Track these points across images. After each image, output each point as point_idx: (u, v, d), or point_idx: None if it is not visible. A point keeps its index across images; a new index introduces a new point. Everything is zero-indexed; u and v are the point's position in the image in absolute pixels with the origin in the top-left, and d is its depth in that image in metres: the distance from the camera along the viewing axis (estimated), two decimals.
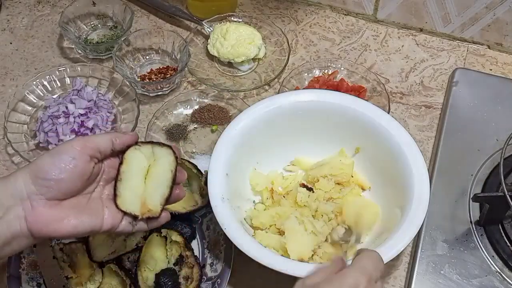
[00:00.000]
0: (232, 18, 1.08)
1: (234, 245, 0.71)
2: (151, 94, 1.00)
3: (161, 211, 0.65)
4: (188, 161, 0.84)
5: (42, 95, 0.98)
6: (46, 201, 0.59)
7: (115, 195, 0.64)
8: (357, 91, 0.96)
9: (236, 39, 1.01)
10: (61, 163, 0.59)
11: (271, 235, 0.78)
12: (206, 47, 1.05)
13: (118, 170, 0.65)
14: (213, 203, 0.73)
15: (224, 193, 0.74)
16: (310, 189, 0.84)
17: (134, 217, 0.64)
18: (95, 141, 0.62)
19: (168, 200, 0.65)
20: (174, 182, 0.65)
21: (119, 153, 0.65)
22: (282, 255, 0.73)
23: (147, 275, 0.77)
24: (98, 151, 0.62)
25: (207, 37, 1.07)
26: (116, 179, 0.65)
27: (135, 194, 0.65)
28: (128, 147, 0.65)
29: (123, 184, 0.64)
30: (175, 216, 0.81)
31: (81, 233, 0.61)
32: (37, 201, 0.58)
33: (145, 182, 0.65)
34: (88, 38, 1.09)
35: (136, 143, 0.65)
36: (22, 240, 0.59)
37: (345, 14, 1.13)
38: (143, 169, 0.65)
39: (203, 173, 0.83)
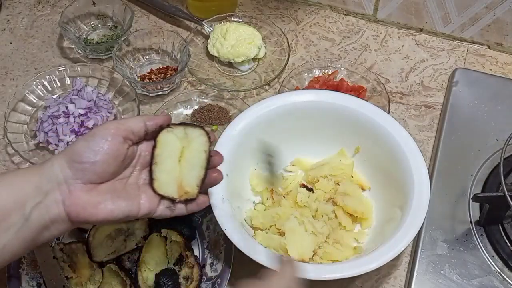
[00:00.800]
0: (232, 18, 1.08)
1: (234, 245, 0.71)
2: (151, 94, 1.00)
3: (198, 192, 0.65)
4: None
5: (42, 95, 0.98)
6: (82, 185, 0.59)
7: (151, 179, 0.64)
8: (357, 91, 0.96)
9: (236, 39, 1.01)
10: (95, 146, 0.59)
11: (271, 236, 0.78)
12: (206, 47, 1.05)
13: (152, 154, 0.64)
14: (213, 203, 0.73)
15: (224, 193, 0.74)
16: (310, 189, 0.84)
17: (172, 200, 0.64)
18: (128, 123, 0.62)
19: (204, 182, 0.65)
20: (209, 163, 0.64)
21: (153, 136, 0.65)
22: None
23: (147, 275, 0.77)
24: (132, 132, 0.62)
25: (207, 37, 1.07)
26: (151, 163, 0.64)
27: (171, 177, 0.64)
28: (161, 129, 0.65)
29: (158, 167, 0.64)
30: (175, 216, 0.81)
31: (118, 218, 0.61)
32: (74, 185, 0.59)
33: (180, 164, 0.65)
34: (88, 38, 1.09)
35: (168, 125, 0.65)
36: (61, 224, 0.59)
37: (345, 14, 1.13)
38: (177, 151, 0.65)
39: None
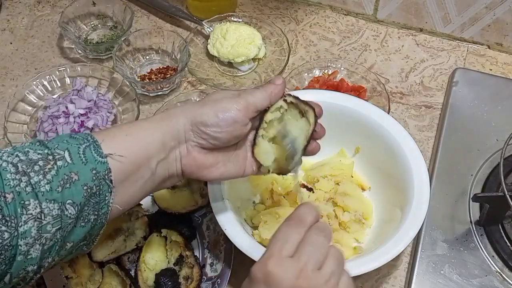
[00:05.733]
0: (232, 18, 1.08)
1: (234, 245, 0.71)
2: (151, 94, 1.00)
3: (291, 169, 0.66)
4: None
5: (42, 95, 0.98)
6: (200, 149, 0.62)
7: (254, 143, 0.65)
8: (357, 91, 0.96)
9: (236, 39, 1.01)
10: (223, 123, 0.61)
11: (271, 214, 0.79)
12: (206, 47, 1.05)
13: (261, 118, 0.65)
14: (213, 203, 0.73)
15: (224, 193, 0.74)
16: (310, 189, 0.84)
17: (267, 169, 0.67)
18: (255, 102, 0.62)
19: (303, 154, 0.66)
20: (310, 141, 0.65)
21: None
22: None
23: (147, 275, 0.77)
24: (257, 111, 0.63)
25: (207, 37, 1.07)
26: (258, 126, 0.65)
27: (272, 146, 0.66)
28: None
29: (263, 133, 0.65)
30: (175, 216, 0.81)
31: (225, 179, 0.67)
32: (192, 147, 0.62)
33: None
34: (88, 38, 1.09)
35: (284, 94, 0.65)
36: (175, 178, 0.64)
37: (345, 14, 1.13)
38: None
39: None
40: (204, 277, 0.77)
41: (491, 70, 1.03)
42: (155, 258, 0.78)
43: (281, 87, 0.64)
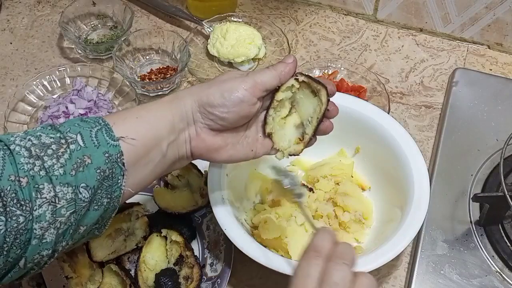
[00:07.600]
0: (232, 18, 1.08)
1: (234, 245, 0.71)
2: (151, 94, 1.00)
3: (302, 149, 0.66)
4: None
5: (42, 95, 0.98)
6: (209, 130, 0.62)
7: (265, 122, 0.65)
8: (357, 91, 0.96)
9: (236, 39, 1.01)
10: (230, 103, 0.60)
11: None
12: (206, 47, 1.05)
13: (273, 97, 0.64)
14: (213, 203, 0.73)
15: (224, 193, 0.74)
16: (310, 190, 0.84)
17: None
18: (264, 82, 0.62)
19: (311, 139, 0.66)
20: (321, 121, 0.65)
21: None
22: (282, 255, 0.73)
23: (147, 275, 0.77)
24: (265, 90, 0.62)
25: (207, 37, 1.07)
26: (269, 105, 0.64)
27: (284, 127, 0.66)
28: None
29: (274, 111, 0.65)
30: (175, 216, 0.81)
31: (234, 161, 0.66)
32: (201, 128, 0.62)
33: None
34: (88, 38, 1.09)
35: (295, 73, 0.64)
36: (184, 160, 0.64)
37: (345, 14, 1.13)
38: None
39: (203, 173, 0.83)
40: (204, 277, 0.77)
41: (491, 70, 1.03)
42: (155, 258, 0.78)
43: (291, 65, 0.63)
